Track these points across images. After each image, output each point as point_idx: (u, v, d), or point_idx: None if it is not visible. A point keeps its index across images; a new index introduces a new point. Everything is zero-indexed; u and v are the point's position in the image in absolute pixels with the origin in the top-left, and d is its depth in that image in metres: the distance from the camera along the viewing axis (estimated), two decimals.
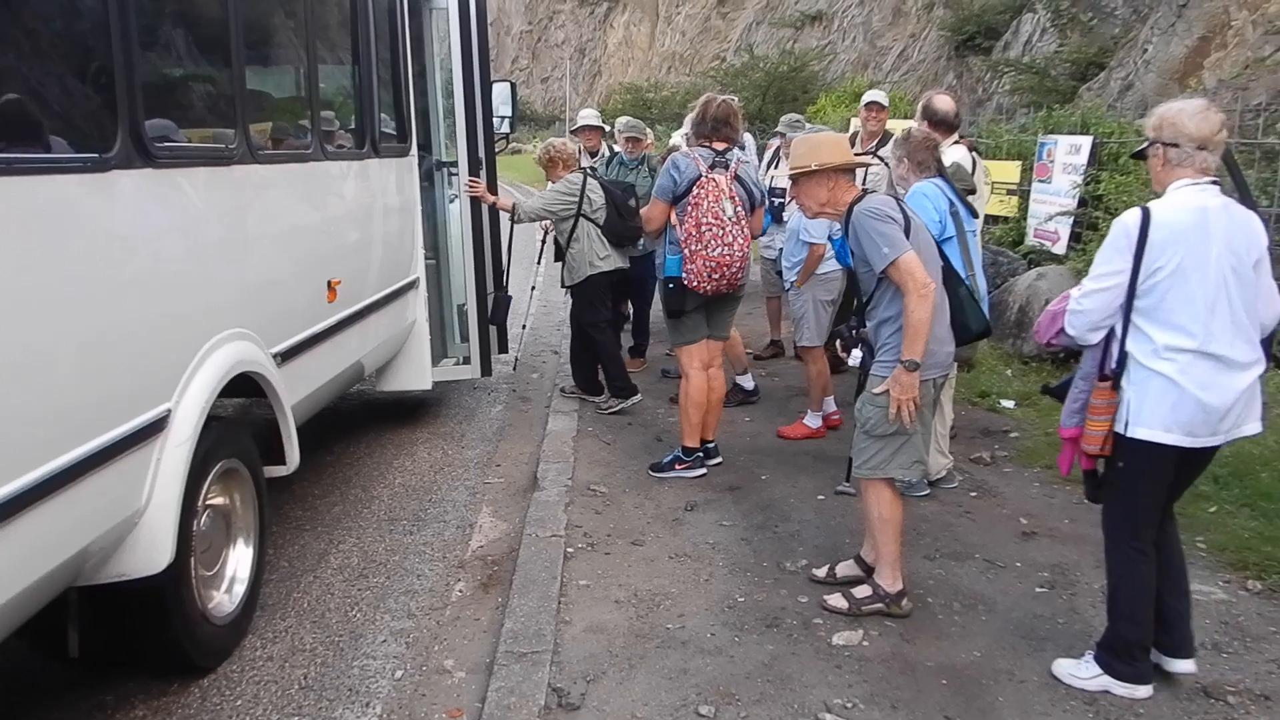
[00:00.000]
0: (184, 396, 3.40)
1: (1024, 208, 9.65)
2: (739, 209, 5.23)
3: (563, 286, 7.09)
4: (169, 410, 3.31)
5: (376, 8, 5.68)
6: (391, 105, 6.05)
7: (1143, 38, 12.21)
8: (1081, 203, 8.52)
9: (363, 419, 6.95)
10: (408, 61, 6.19)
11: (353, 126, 5.45)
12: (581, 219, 6.72)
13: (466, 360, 6.86)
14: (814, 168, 3.97)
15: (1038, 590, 4.22)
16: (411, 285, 6.21)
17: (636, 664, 3.65)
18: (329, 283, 4.84)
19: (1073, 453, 3.52)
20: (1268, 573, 4.25)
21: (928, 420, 4.01)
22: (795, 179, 4.09)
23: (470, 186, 6.46)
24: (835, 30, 27.47)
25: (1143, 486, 3.34)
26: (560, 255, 7.02)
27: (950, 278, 4.00)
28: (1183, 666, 3.46)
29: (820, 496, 5.26)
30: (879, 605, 3.98)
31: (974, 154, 5.88)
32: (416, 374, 6.44)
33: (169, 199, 3.42)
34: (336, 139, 5.27)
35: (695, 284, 5.24)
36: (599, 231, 6.75)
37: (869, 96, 7.44)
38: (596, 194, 6.76)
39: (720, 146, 5.33)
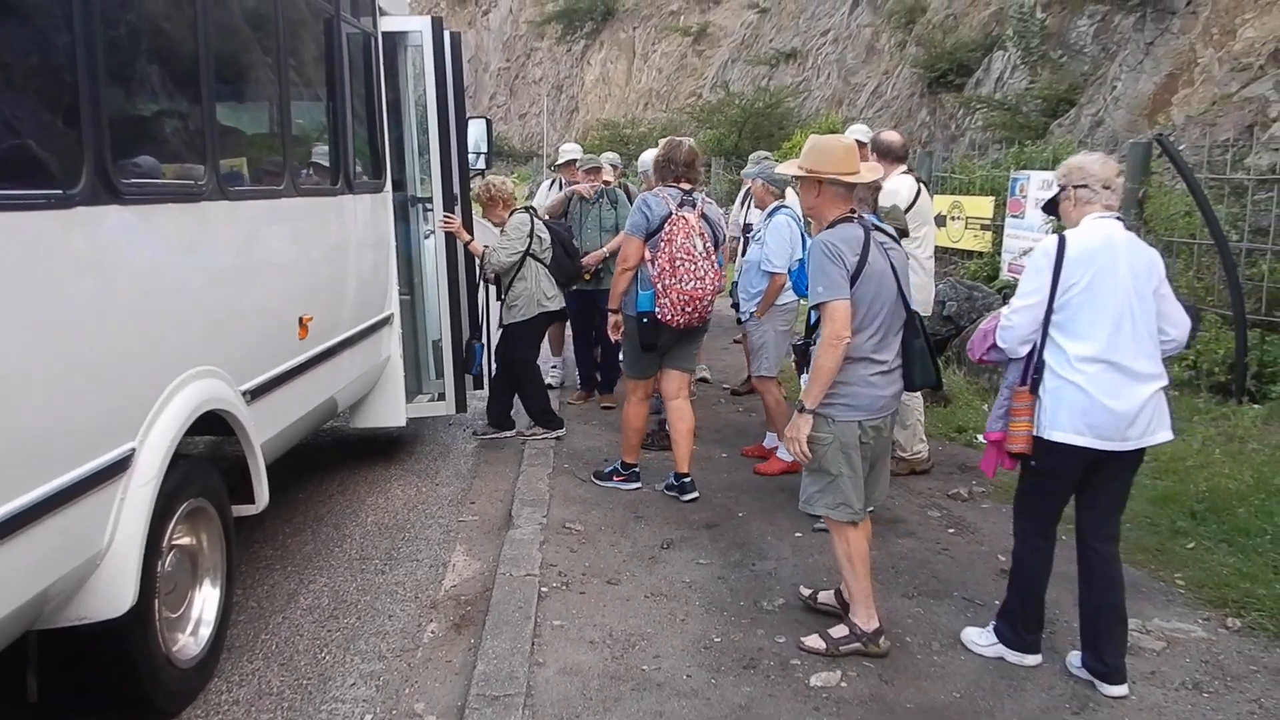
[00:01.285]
0: (149, 435, 3.33)
1: (998, 243, 9.70)
2: (707, 244, 5.48)
3: (500, 325, 7.01)
4: (133, 449, 3.24)
5: (351, 43, 5.67)
6: (366, 141, 6.03)
7: (1112, 75, 12.38)
8: None
9: (336, 456, 6.87)
10: (383, 97, 6.18)
11: (326, 162, 5.42)
12: (529, 258, 6.75)
13: (441, 396, 6.80)
14: (803, 172, 3.99)
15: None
16: (386, 321, 6.16)
17: (611, 707, 3.58)
18: (301, 319, 4.79)
19: (996, 456, 3.86)
20: (1247, 610, 4.24)
21: (856, 464, 3.89)
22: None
23: (445, 222, 6.44)
24: (810, 67, 27.73)
25: (1053, 483, 3.76)
26: (500, 293, 6.99)
27: (908, 329, 3.96)
28: (1115, 691, 3.66)
29: (798, 534, 5.22)
30: (856, 645, 3.95)
31: (921, 184, 6.09)
32: (390, 410, 6.38)
33: (135, 236, 3.37)
34: (309, 175, 5.24)
35: (669, 317, 5.41)
36: (546, 271, 6.79)
37: (853, 133, 7.47)
38: (544, 233, 6.83)
39: (686, 187, 5.61)
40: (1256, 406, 6.54)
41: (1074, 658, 3.83)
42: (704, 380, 8.51)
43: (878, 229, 4.01)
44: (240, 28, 4.50)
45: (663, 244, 5.38)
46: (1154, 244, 7.35)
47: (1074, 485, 3.73)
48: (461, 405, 6.77)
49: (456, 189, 6.54)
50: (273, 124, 4.81)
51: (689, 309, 5.38)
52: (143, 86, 3.66)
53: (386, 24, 6.31)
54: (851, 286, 3.75)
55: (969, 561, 4.89)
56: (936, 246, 10.25)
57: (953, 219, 10.26)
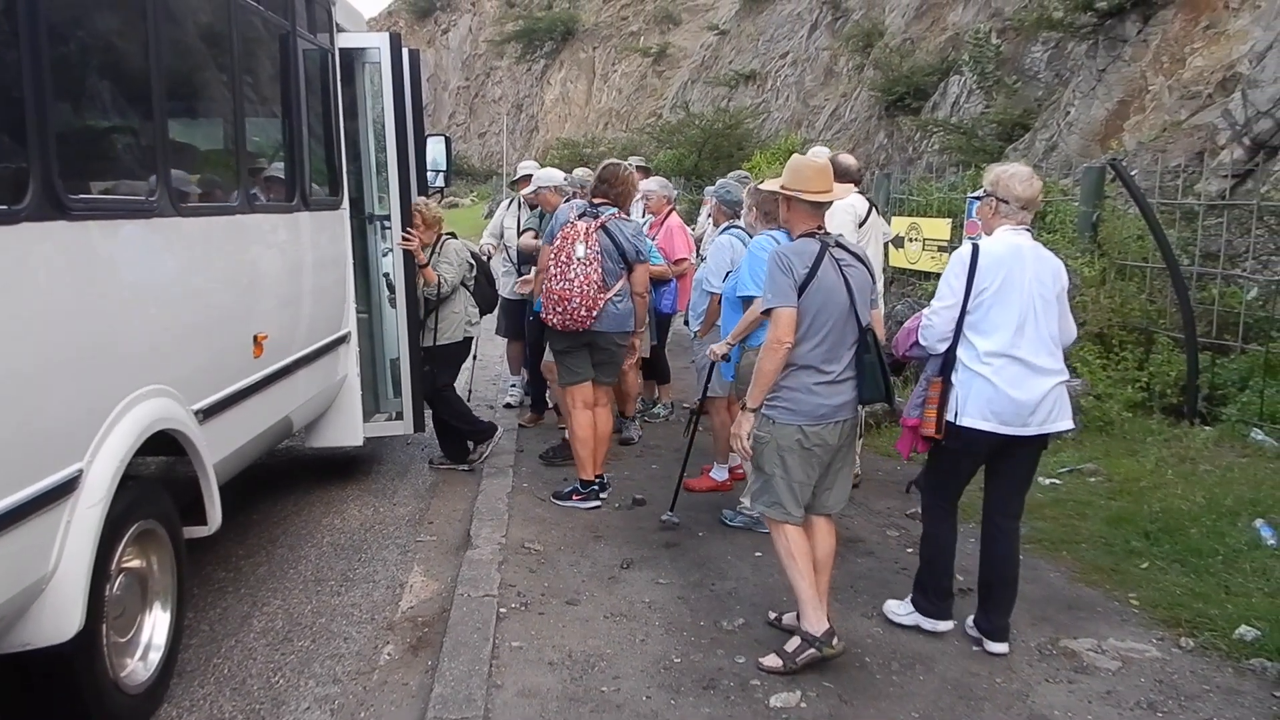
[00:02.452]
0: (97, 456, 3.26)
1: None
2: (592, 253, 5.69)
3: (423, 348, 6.74)
4: (80, 470, 3.17)
5: (307, 59, 5.63)
6: (323, 158, 5.97)
7: (1065, 100, 12.57)
8: None
9: (291, 476, 6.77)
10: (340, 114, 6.13)
11: (282, 179, 5.36)
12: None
13: (399, 415, 6.72)
14: (772, 188, 4.31)
15: (975, 649, 4.19)
16: (343, 340, 6.10)
17: None
18: (255, 337, 4.72)
19: (911, 439, 4.23)
20: (1199, 629, 4.27)
21: (792, 467, 4.01)
22: None
23: (404, 240, 6.38)
24: (769, 89, 27.94)
25: (963, 464, 4.19)
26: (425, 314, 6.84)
27: (860, 344, 4.04)
28: (998, 648, 4.15)
29: (758, 553, 5.21)
30: (811, 651, 3.95)
31: (870, 205, 6.28)
32: (347, 430, 6.31)
33: (83, 252, 3.30)
34: (264, 191, 5.18)
35: (546, 317, 5.82)
36: (470, 296, 6.82)
37: (812, 154, 7.52)
38: (469, 258, 6.86)
39: (597, 200, 5.92)
40: (1208, 428, 6.64)
41: (970, 621, 4.29)
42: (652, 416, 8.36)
43: (841, 247, 4.10)
44: (193, 43, 4.45)
45: (555, 250, 5.77)
46: (1107, 266, 7.56)
47: (978, 466, 4.19)
48: (420, 424, 6.69)
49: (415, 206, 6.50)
50: (227, 140, 4.75)
51: (559, 309, 5.68)
52: (92, 101, 3.61)
53: (344, 40, 6.27)
54: (800, 296, 3.93)
55: None
56: (894, 268, 10.41)
57: (910, 240, 10.34)
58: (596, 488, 6.08)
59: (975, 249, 4.04)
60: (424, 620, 4.58)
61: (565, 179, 7.82)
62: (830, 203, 4.20)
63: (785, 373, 3.99)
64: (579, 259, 5.67)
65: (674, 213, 8.20)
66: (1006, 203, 4.07)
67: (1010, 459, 4.12)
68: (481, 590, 4.70)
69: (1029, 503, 5.79)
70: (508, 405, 8.74)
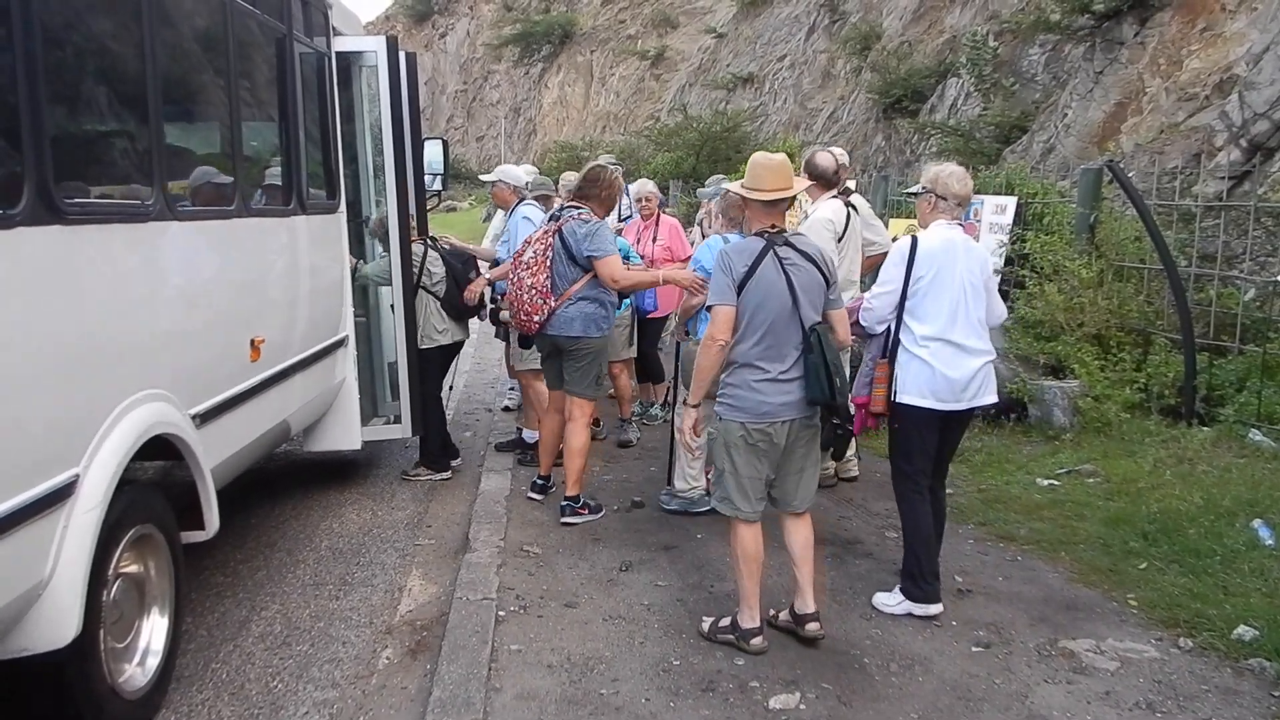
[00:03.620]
0: (94, 461, 3.25)
1: None
2: (539, 257, 5.66)
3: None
4: (77, 475, 3.17)
5: (304, 63, 5.63)
6: (320, 161, 5.97)
7: (1062, 103, 12.57)
8: (1008, 261, 8.67)
9: (289, 480, 6.77)
10: (337, 118, 6.13)
11: (278, 183, 5.36)
12: (420, 290, 6.61)
13: (397, 419, 6.72)
14: (732, 187, 4.53)
15: (974, 649, 4.19)
16: (340, 343, 6.10)
17: None
18: (252, 341, 4.72)
19: (862, 418, 4.53)
20: (1198, 630, 4.27)
21: (739, 463, 4.12)
22: None
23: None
24: (766, 92, 27.95)
25: (914, 441, 4.48)
26: None
27: (805, 344, 4.07)
28: (933, 609, 4.46)
29: None
30: (729, 638, 4.19)
31: (850, 209, 6.04)
32: (345, 433, 6.30)
33: (80, 256, 3.30)
34: (261, 195, 5.18)
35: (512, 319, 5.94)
36: (438, 304, 6.66)
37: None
38: (437, 266, 6.67)
39: (573, 203, 5.85)
40: (1206, 429, 6.63)
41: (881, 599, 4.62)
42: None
43: (790, 246, 4.14)
44: (190, 47, 4.45)
45: (518, 251, 5.93)
46: (1104, 268, 7.56)
47: (931, 441, 4.48)
48: (418, 428, 6.70)
49: (412, 209, 6.49)
50: (223, 144, 4.75)
51: (514, 308, 5.76)
52: (88, 105, 3.61)
53: (340, 44, 6.27)
54: (739, 295, 4.04)
55: None
56: None
57: None
58: (543, 483, 6.21)
59: (914, 241, 4.42)
60: (422, 624, 4.58)
61: (529, 178, 7.73)
62: (784, 200, 4.24)
63: (730, 370, 4.14)
64: (524, 263, 5.70)
65: (662, 215, 8.19)
66: (945, 199, 4.47)
67: (943, 431, 4.50)
68: (480, 593, 4.70)
69: (1027, 504, 5.84)
70: (505, 409, 8.73)
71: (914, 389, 4.36)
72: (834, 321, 4.26)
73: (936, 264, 4.36)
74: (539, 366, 6.40)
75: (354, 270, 6.48)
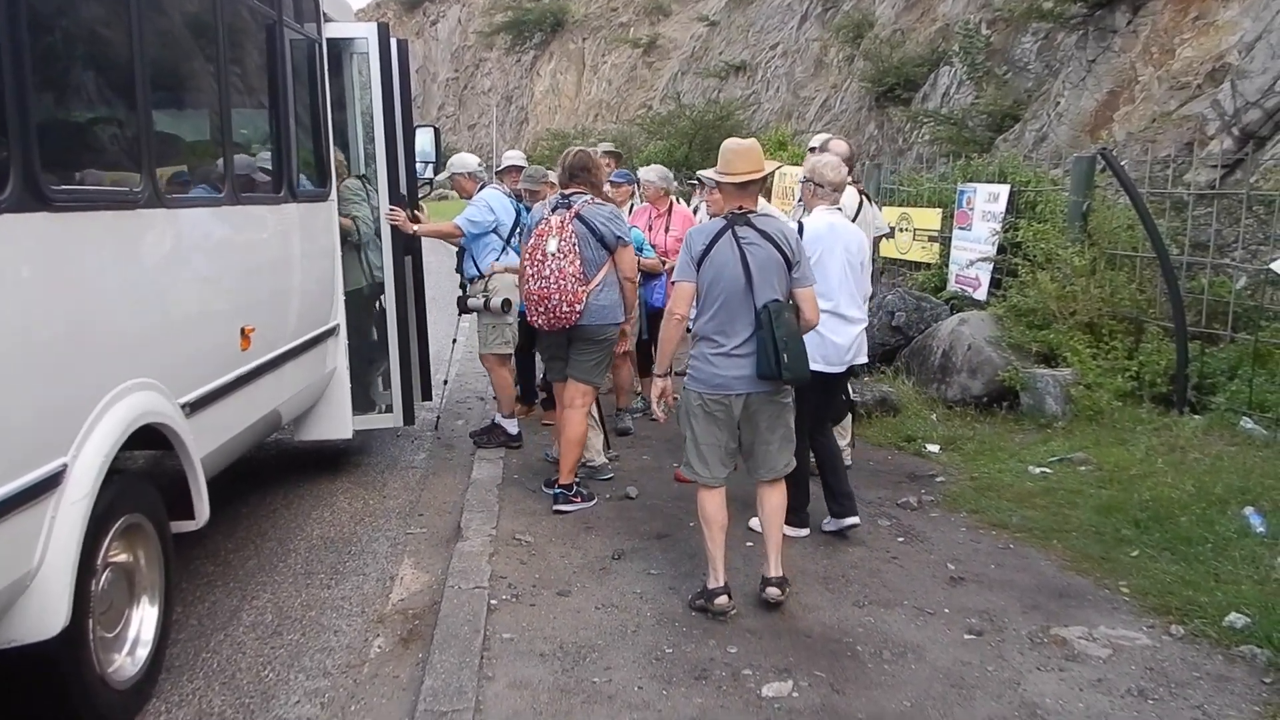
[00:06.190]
0: (82, 450, 3.23)
1: (945, 254, 9.79)
2: (567, 245, 5.50)
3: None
4: (65, 465, 3.14)
5: (294, 49, 5.59)
6: (310, 148, 5.93)
7: (1055, 91, 12.58)
8: (1001, 249, 8.66)
9: (280, 469, 6.75)
10: (327, 104, 6.09)
11: (269, 170, 5.32)
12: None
13: (389, 408, 6.70)
14: (706, 174, 4.78)
15: (966, 637, 4.20)
16: (331, 332, 6.07)
17: None
18: (243, 330, 4.69)
19: None
20: (1189, 617, 4.28)
21: (699, 431, 4.38)
22: None
23: (390, 215, 6.34)
24: (759, 80, 27.91)
25: (811, 398, 4.94)
26: None
27: (758, 321, 4.23)
28: (850, 521, 5.22)
29: (749, 543, 5.19)
30: (701, 602, 4.39)
31: (864, 196, 6.38)
32: (337, 422, 6.28)
33: (67, 244, 3.27)
34: (251, 183, 5.15)
35: (529, 317, 5.70)
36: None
37: (816, 140, 7.44)
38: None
39: (569, 191, 5.71)
40: (1197, 417, 6.64)
41: (825, 523, 5.29)
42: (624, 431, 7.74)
43: (750, 226, 4.30)
44: (179, 33, 4.41)
45: (528, 248, 5.66)
46: (1096, 256, 7.57)
47: (822, 398, 5.15)
48: (410, 417, 6.68)
49: (404, 194, 6.46)
50: (213, 131, 4.72)
51: (539, 308, 5.54)
52: (75, 91, 3.57)
53: (331, 30, 6.22)
54: (697, 271, 4.29)
55: (918, 570, 4.90)
56: (885, 258, 10.41)
57: (901, 230, 10.34)
58: (564, 493, 5.79)
59: (800, 226, 4.95)
60: (414, 613, 4.57)
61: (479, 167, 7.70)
62: (754, 182, 4.42)
63: (694, 343, 4.44)
64: (552, 254, 5.46)
65: (675, 205, 8.12)
66: (822, 187, 5.12)
67: (828, 389, 5.23)
68: (472, 582, 4.69)
69: (1019, 492, 5.85)
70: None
71: (811, 355, 4.61)
72: (800, 300, 4.39)
73: (822, 244, 4.98)
74: (507, 352, 6.41)
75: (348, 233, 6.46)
